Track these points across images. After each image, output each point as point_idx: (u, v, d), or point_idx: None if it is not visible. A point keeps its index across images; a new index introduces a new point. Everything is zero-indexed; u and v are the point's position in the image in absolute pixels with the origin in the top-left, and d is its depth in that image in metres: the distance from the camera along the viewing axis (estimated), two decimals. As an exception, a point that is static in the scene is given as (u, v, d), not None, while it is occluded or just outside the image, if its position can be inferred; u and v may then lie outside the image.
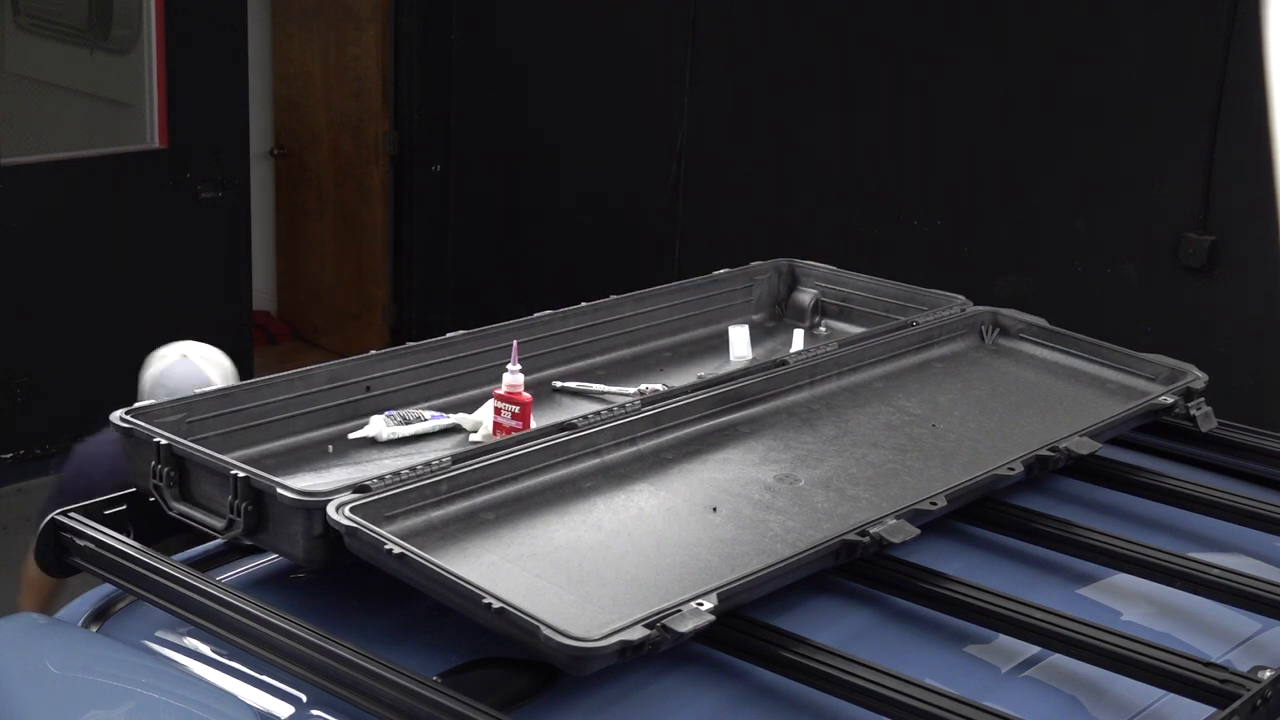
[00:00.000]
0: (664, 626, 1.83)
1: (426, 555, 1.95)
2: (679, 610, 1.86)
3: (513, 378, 2.59)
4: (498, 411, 2.58)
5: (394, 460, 2.48)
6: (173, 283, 5.96)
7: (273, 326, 7.32)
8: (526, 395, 2.58)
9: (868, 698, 1.88)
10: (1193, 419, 2.73)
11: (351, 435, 2.57)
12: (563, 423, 2.41)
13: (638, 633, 1.81)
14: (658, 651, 1.84)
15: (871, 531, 2.13)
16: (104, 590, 2.26)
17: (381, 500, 2.10)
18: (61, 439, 5.76)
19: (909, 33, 5.24)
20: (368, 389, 2.67)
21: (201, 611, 2.08)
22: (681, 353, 3.15)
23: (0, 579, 4.31)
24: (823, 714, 1.93)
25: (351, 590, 2.17)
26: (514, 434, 2.48)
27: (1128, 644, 1.99)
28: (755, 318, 3.36)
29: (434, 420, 2.61)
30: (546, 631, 1.79)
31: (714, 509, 2.30)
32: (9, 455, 5.77)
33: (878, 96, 5.33)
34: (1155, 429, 2.80)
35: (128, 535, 2.28)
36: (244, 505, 2.14)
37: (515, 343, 2.66)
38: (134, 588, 2.18)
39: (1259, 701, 1.85)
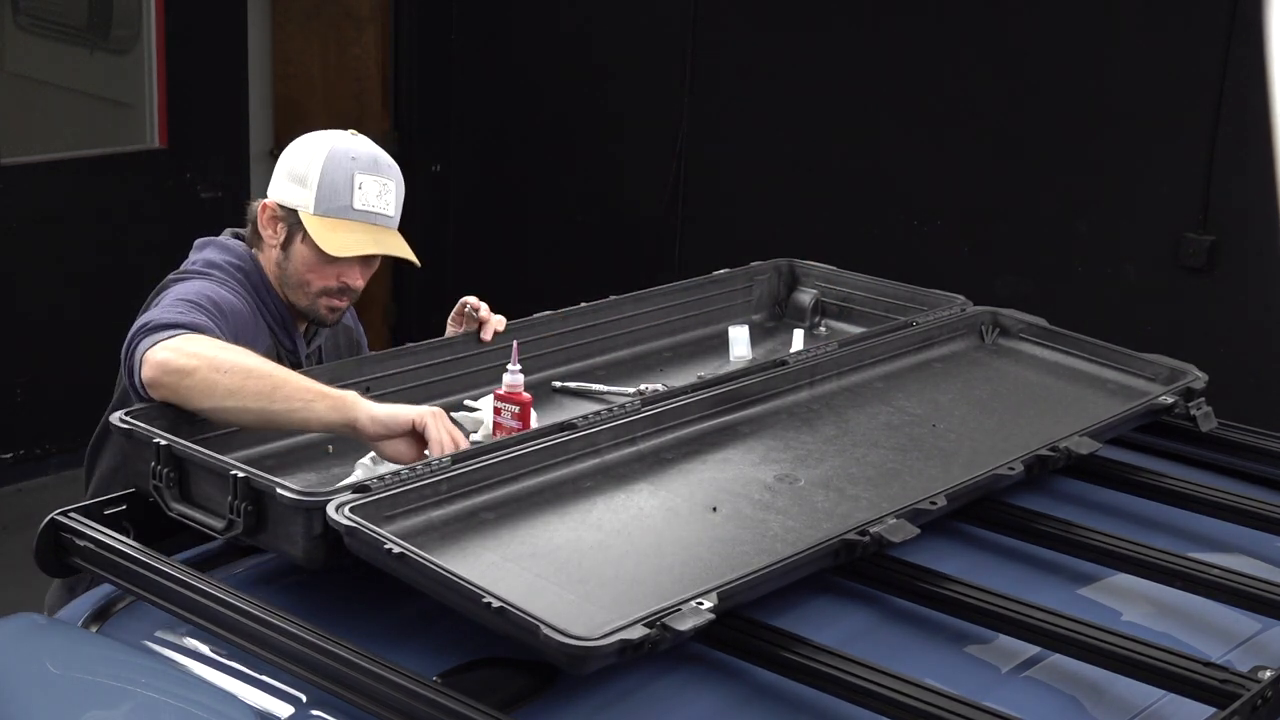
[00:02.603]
0: (664, 625, 1.83)
1: (426, 555, 1.95)
2: (679, 609, 1.86)
3: (513, 378, 2.59)
4: (498, 411, 2.58)
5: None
6: (173, 283, 5.96)
7: (273, 326, 7.31)
8: (526, 395, 2.58)
9: (868, 698, 1.88)
10: (1193, 419, 2.73)
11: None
12: (563, 423, 2.41)
13: (638, 632, 1.81)
14: (658, 650, 1.84)
15: (871, 531, 2.13)
16: (104, 590, 2.26)
17: (381, 500, 2.10)
18: (61, 439, 5.77)
19: (909, 32, 5.24)
20: (367, 389, 2.67)
21: (201, 611, 2.08)
22: (681, 353, 3.16)
23: (0, 579, 4.31)
24: (823, 714, 1.93)
25: (351, 590, 2.17)
26: (514, 434, 2.48)
27: (1128, 644, 1.99)
28: (755, 318, 3.36)
29: None
30: (546, 631, 1.79)
31: (714, 509, 2.30)
32: (9, 455, 5.76)
33: (878, 96, 5.33)
34: (1155, 429, 2.80)
35: (128, 535, 2.28)
36: (244, 505, 2.14)
37: (515, 343, 2.66)
38: (134, 588, 2.18)
39: (1259, 701, 1.85)
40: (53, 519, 2.28)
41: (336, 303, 2.80)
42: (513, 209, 6.53)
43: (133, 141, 6.00)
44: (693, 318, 3.25)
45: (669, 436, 2.51)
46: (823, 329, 3.35)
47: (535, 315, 2.99)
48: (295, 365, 2.78)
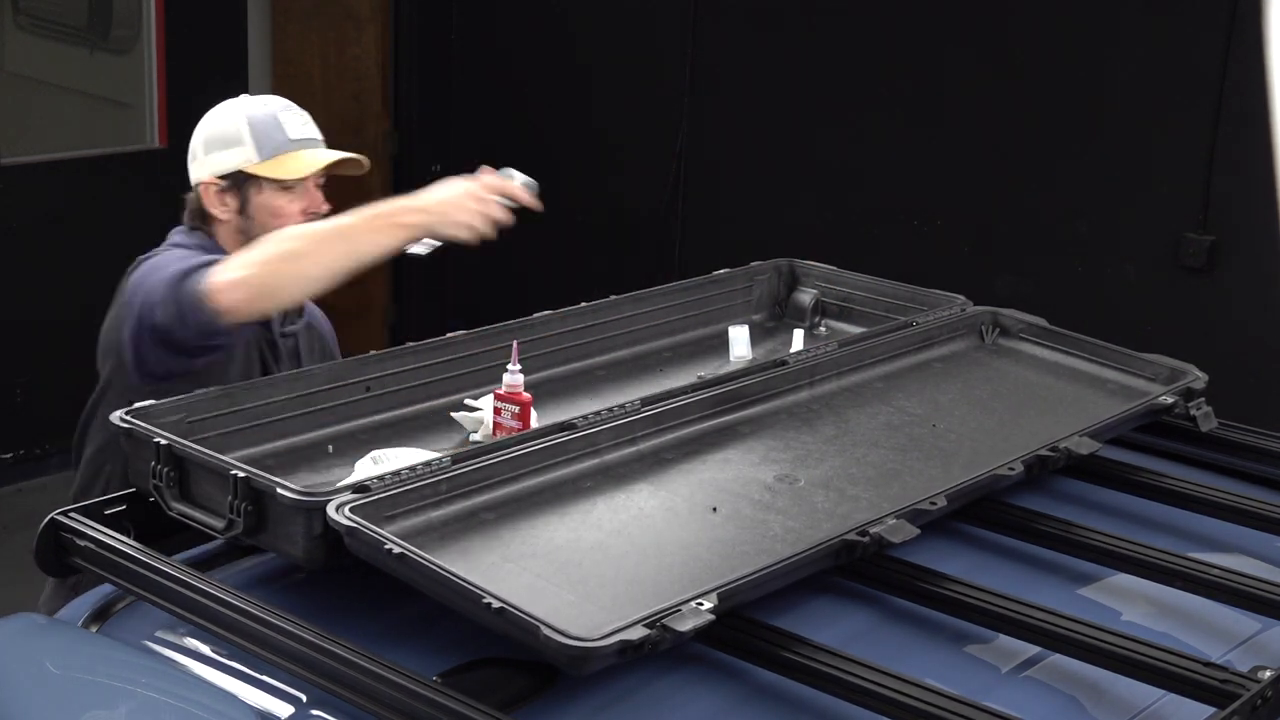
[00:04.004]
0: (664, 626, 1.83)
1: (426, 555, 1.95)
2: (679, 610, 1.86)
3: (512, 378, 2.59)
4: (498, 411, 2.58)
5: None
6: (173, 283, 5.96)
7: (273, 326, 7.31)
8: (526, 395, 2.58)
9: (868, 698, 1.88)
10: (1193, 419, 2.73)
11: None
12: (563, 422, 2.41)
13: (638, 632, 1.81)
14: (658, 651, 1.84)
15: (871, 531, 2.13)
16: (104, 590, 2.26)
17: (381, 500, 2.10)
18: (61, 439, 5.77)
19: (909, 32, 5.24)
20: (368, 389, 2.67)
21: (201, 611, 2.08)
22: (681, 353, 3.15)
23: (0, 579, 4.31)
24: (823, 714, 1.93)
25: (351, 590, 2.17)
26: (514, 434, 2.48)
27: (1128, 644, 1.99)
28: (755, 318, 3.36)
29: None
30: (546, 631, 1.79)
31: (714, 509, 2.30)
32: (9, 455, 5.76)
33: (878, 96, 5.33)
34: (1155, 429, 2.80)
35: (128, 535, 2.28)
36: (244, 505, 2.14)
37: (515, 343, 2.66)
38: (134, 588, 2.18)
39: (1259, 701, 1.85)
40: (53, 519, 2.28)
41: None
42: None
43: (133, 141, 6.00)
44: (693, 318, 3.24)
45: (669, 436, 2.51)
46: (823, 329, 3.35)
47: (535, 315, 2.98)
48: (270, 344, 2.92)
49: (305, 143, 2.93)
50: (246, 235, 2.85)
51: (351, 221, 2.58)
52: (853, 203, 5.42)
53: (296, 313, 3.01)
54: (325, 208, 2.89)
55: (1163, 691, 1.98)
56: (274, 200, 2.86)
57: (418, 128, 6.64)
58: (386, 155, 6.65)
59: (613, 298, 3.12)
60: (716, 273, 3.35)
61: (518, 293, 6.02)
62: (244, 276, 2.54)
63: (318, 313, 3.14)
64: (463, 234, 2.59)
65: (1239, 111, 4.49)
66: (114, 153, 5.94)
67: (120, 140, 6.02)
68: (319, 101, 6.80)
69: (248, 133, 2.88)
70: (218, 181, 2.88)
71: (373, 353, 2.78)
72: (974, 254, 5.09)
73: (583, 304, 3.05)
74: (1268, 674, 1.92)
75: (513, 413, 2.58)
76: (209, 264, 2.60)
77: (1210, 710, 1.88)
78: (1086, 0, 4.86)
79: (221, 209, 2.88)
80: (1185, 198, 4.62)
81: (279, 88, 6.92)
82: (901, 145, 5.27)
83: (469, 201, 2.62)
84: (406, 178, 6.67)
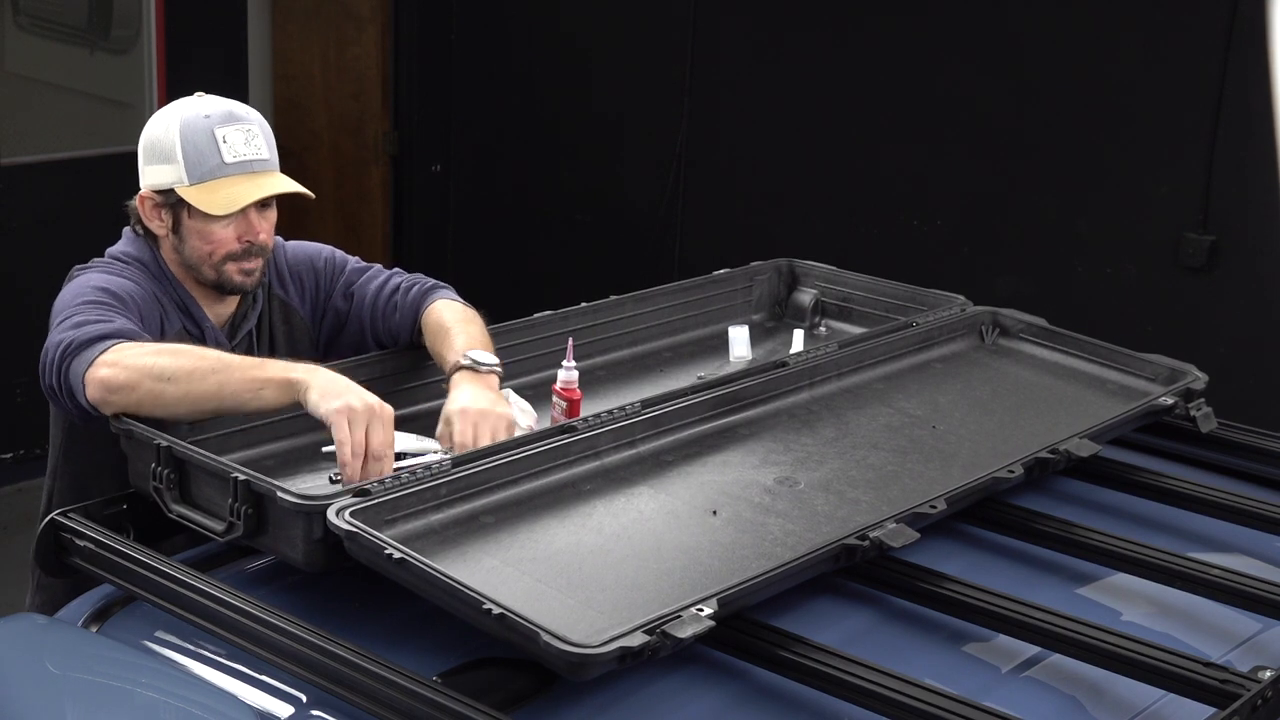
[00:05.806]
0: (664, 633, 1.83)
1: (426, 560, 1.94)
2: (679, 616, 1.86)
3: (567, 374, 2.64)
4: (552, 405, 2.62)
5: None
6: (173, 283, 5.95)
7: (273, 326, 7.31)
8: (578, 392, 2.60)
9: (868, 698, 1.88)
10: (1193, 419, 2.73)
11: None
12: (563, 425, 2.41)
13: (637, 639, 1.81)
14: (658, 657, 1.84)
15: (871, 535, 2.13)
16: (104, 590, 2.26)
17: (381, 504, 2.10)
18: (62, 439, 5.77)
19: (909, 32, 5.24)
20: (368, 389, 2.67)
21: (201, 611, 2.08)
22: (681, 353, 3.16)
23: (0, 579, 4.31)
24: (823, 714, 1.93)
25: (351, 590, 2.17)
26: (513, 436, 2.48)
27: (1128, 644, 1.99)
28: (755, 318, 3.36)
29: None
30: (546, 638, 1.79)
31: (714, 512, 2.30)
32: (9, 455, 5.76)
33: (878, 96, 5.32)
34: (1155, 429, 2.80)
35: (127, 536, 2.28)
36: (244, 508, 2.14)
37: (570, 341, 2.68)
38: (134, 588, 2.18)
39: (1259, 702, 1.85)
40: (53, 519, 2.28)
41: (247, 265, 2.70)
42: (513, 209, 6.53)
43: (133, 141, 5.95)
44: (693, 318, 3.25)
45: (669, 439, 2.51)
46: (823, 329, 3.35)
47: (535, 315, 2.99)
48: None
49: (242, 167, 2.66)
50: (180, 255, 2.70)
51: (235, 370, 2.36)
52: (853, 203, 5.42)
53: (246, 312, 2.82)
54: (263, 238, 2.71)
55: (1163, 691, 1.98)
56: (204, 226, 2.64)
57: (418, 128, 6.63)
58: (386, 155, 6.65)
59: (613, 298, 3.12)
60: (716, 273, 3.35)
61: (518, 293, 6.03)
62: (122, 381, 2.36)
63: (289, 281, 2.93)
64: (325, 415, 2.27)
65: (1239, 112, 4.48)
66: (114, 153, 5.92)
67: (120, 140, 5.99)
68: (319, 101, 6.81)
69: (179, 151, 2.64)
70: (153, 196, 2.69)
71: (374, 353, 2.79)
72: (974, 254, 5.09)
73: (583, 304, 3.05)
74: (1268, 674, 1.92)
75: (561, 408, 2.60)
76: (103, 338, 2.44)
77: (1210, 710, 1.88)
78: (1088, 1, 4.85)
79: (157, 224, 2.69)
80: (1185, 198, 4.62)
81: (279, 88, 6.92)
82: (902, 145, 5.27)
83: (365, 410, 2.27)
84: (406, 177, 6.68)
